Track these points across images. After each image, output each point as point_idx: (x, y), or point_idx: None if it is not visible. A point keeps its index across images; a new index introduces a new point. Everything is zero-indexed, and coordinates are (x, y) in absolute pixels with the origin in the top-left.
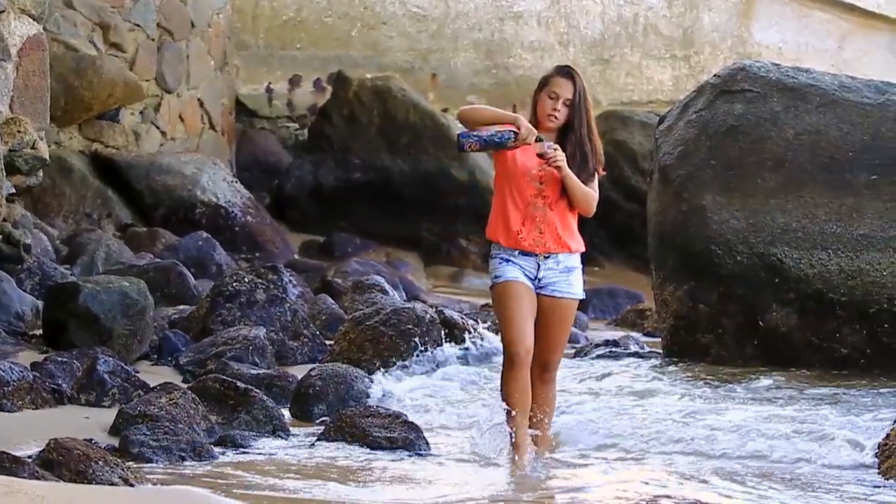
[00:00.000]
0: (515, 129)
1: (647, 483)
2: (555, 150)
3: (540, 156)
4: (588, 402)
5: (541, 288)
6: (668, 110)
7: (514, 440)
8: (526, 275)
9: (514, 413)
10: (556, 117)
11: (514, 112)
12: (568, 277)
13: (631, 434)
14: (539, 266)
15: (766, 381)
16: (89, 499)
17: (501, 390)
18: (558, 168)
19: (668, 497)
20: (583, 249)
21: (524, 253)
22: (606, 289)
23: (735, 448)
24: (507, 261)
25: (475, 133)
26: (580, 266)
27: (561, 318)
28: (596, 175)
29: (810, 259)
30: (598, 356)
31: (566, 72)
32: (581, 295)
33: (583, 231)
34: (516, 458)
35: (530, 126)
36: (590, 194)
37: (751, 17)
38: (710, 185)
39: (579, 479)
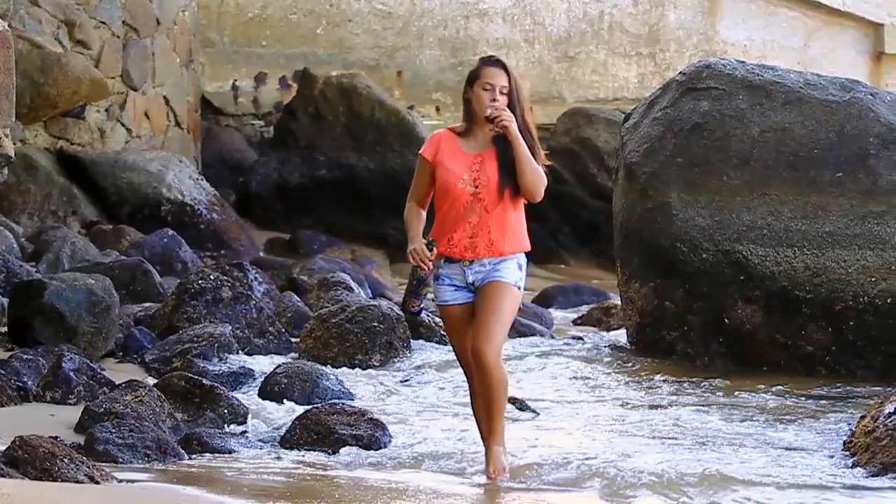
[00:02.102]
0: (415, 265)
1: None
2: (502, 110)
3: (488, 119)
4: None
5: (474, 290)
6: (633, 108)
7: (485, 449)
8: (457, 288)
9: (480, 423)
10: (496, 107)
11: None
12: (497, 267)
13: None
14: (465, 272)
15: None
16: (72, 497)
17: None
18: (506, 128)
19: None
20: (524, 249)
21: (450, 260)
22: (572, 286)
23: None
24: (437, 277)
25: (413, 298)
26: (517, 260)
27: (486, 299)
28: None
29: (776, 256)
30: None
31: (495, 61)
32: (512, 281)
33: (547, 227)
34: (487, 462)
35: (414, 248)
36: (538, 171)
37: (716, 15)
38: (676, 183)
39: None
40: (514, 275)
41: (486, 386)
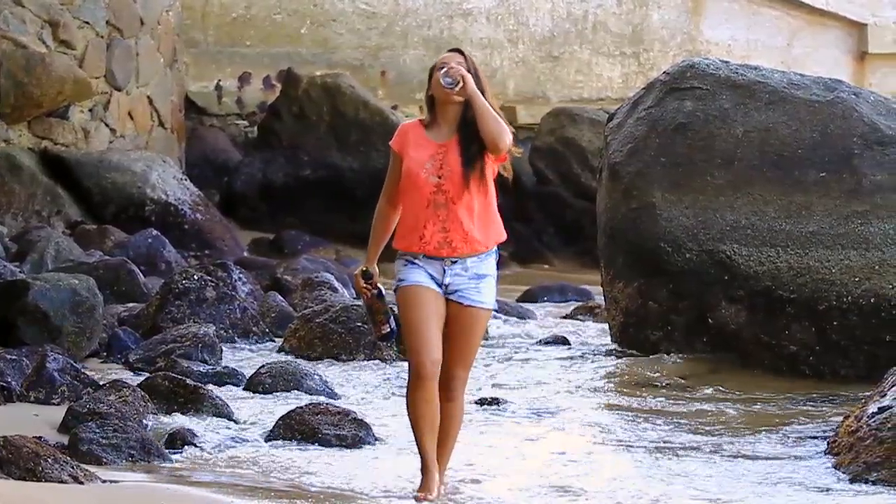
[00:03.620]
0: (362, 297)
1: None
2: (446, 72)
3: (445, 86)
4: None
5: (448, 294)
6: (617, 107)
7: (421, 464)
8: (433, 278)
9: (421, 435)
10: (451, 74)
11: None
12: (477, 285)
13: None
14: (445, 271)
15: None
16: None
17: (408, 407)
18: (462, 78)
19: None
20: (501, 238)
21: (429, 257)
22: (556, 286)
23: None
24: (412, 263)
25: (375, 326)
26: (493, 273)
27: (466, 329)
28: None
29: (759, 256)
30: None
31: (452, 49)
32: (491, 305)
33: (531, 227)
34: (423, 482)
35: (355, 274)
36: (500, 122)
37: (700, 15)
38: (660, 183)
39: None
40: (492, 296)
41: (451, 417)
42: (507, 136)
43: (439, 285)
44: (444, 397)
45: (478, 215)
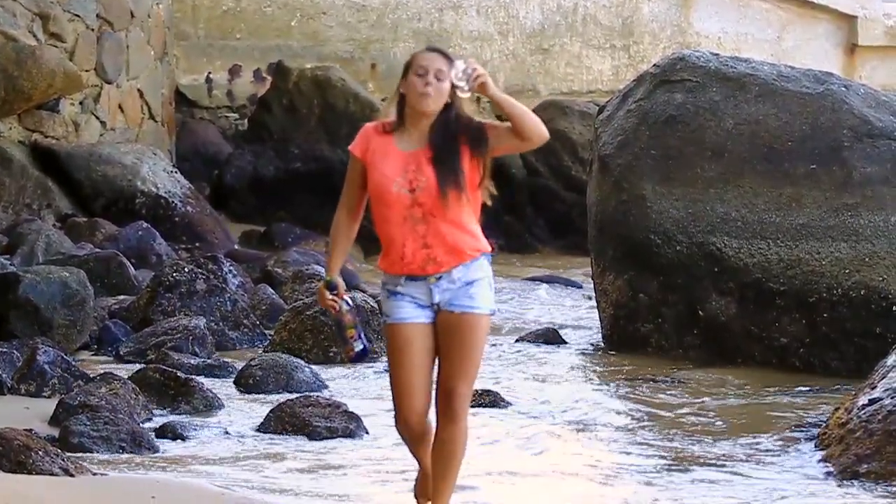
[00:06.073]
0: (328, 312)
1: None
2: (473, 69)
3: (457, 87)
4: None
5: (440, 310)
6: (607, 100)
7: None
8: (418, 305)
9: (422, 459)
10: (429, 93)
11: None
12: (468, 290)
13: None
14: (431, 290)
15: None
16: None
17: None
18: (483, 85)
19: None
20: (485, 249)
21: (412, 278)
22: (546, 277)
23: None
24: (394, 293)
25: (345, 344)
26: (486, 276)
27: (463, 339)
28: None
29: (750, 248)
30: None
31: (430, 47)
32: (487, 309)
33: (521, 220)
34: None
35: (319, 287)
36: (532, 114)
37: (690, 7)
38: (650, 175)
39: None
40: (487, 300)
41: (452, 442)
42: (544, 130)
43: (428, 306)
44: (444, 419)
45: (458, 223)
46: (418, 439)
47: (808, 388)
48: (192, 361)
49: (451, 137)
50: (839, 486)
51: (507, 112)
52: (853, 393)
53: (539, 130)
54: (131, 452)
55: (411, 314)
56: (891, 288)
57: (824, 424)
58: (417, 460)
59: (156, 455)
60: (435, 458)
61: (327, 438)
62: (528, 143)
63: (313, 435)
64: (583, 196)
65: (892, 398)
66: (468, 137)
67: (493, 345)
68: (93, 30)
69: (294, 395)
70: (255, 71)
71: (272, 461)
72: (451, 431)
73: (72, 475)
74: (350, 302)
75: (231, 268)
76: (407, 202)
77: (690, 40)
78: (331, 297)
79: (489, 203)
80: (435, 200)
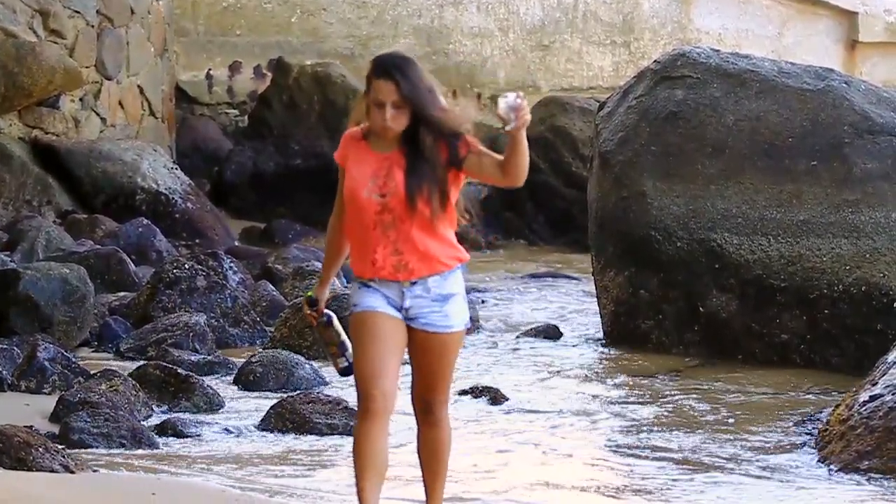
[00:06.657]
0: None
1: None
2: (519, 104)
3: (506, 123)
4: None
5: (410, 319)
6: (608, 96)
7: None
8: (390, 303)
9: (362, 480)
10: (389, 126)
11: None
12: (442, 308)
13: None
14: (404, 293)
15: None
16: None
17: (353, 448)
18: (524, 124)
19: None
20: (463, 258)
21: (385, 280)
22: (546, 274)
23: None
24: (366, 286)
25: (333, 359)
26: (460, 291)
27: (438, 357)
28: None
29: (750, 245)
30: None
31: (382, 70)
32: (462, 326)
33: (521, 216)
34: None
35: (303, 301)
36: (528, 159)
37: (691, 3)
38: (651, 171)
39: None
40: (462, 315)
41: (436, 442)
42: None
43: (399, 309)
44: (427, 426)
45: (434, 232)
46: (376, 432)
47: (808, 385)
48: (193, 358)
49: (429, 143)
50: (840, 482)
51: (516, 153)
52: (854, 389)
53: (524, 177)
54: (132, 449)
55: (381, 306)
56: (891, 284)
57: (825, 421)
58: (358, 496)
59: (156, 452)
60: (423, 458)
61: (328, 435)
62: (507, 183)
63: (314, 432)
64: (583, 192)
65: (892, 395)
66: (447, 146)
67: (493, 341)
68: (93, 26)
69: (295, 392)
70: (255, 67)
71: (272, 458)
72: (435, 433)
73: (72, 472)
74: (332, 317)
75: (231, 264)
76: (377, 207)
77: (691, 37)
78: (310, 311)
79: (463, 221)
80: (404, 206)
